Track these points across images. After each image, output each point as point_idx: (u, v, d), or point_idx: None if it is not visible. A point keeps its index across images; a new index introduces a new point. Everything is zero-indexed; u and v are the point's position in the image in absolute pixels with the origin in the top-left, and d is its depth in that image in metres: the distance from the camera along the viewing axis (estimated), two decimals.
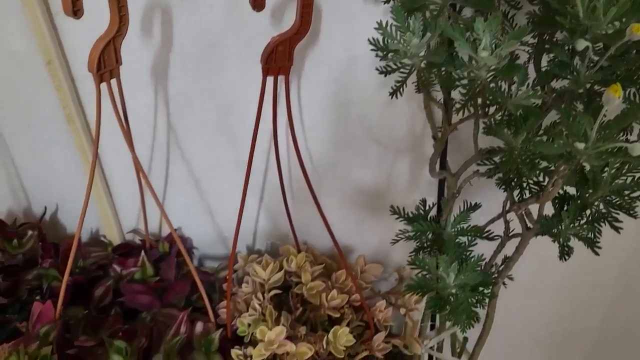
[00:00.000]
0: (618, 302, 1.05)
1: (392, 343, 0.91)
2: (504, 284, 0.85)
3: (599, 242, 0.72)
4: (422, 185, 0.96)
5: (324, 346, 0.86)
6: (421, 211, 0.87)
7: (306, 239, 1.06)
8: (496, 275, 0.85)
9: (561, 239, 0.74)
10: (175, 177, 1.02)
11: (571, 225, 0.72)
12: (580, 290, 1.06)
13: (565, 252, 0.74)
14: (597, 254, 0.71)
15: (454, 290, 0.69)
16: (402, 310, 0.95)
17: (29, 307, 0.87)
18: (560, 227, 0.73)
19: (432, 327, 1.00)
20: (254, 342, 0.87)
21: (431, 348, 0.95)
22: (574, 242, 0.75)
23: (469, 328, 0.77)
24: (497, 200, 0.82)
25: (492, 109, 0.64)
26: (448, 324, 0.93)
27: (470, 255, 0.77)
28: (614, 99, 0.47)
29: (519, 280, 0.91)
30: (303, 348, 0.83)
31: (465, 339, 0.95)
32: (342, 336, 0.84)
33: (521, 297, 1.08)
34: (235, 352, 0.86)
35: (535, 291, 1.08)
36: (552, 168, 0.68)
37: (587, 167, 0.69)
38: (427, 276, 0.71)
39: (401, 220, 0.86)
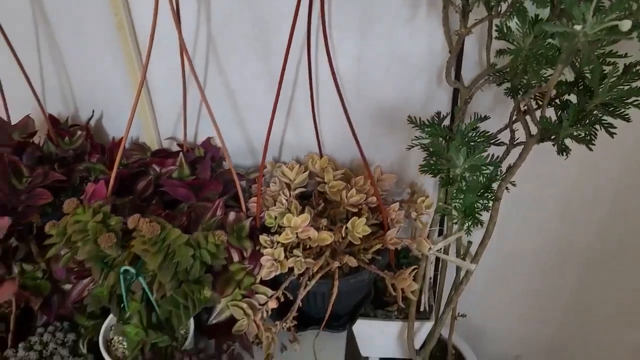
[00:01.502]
0: (611, 223, 1.14)
1: (403, 241, 1.01)
2: (506, 189, 0.95)
3: (594, 141, 0.81)
4: (438, 103, 1.04)
5: (343, 235, 0.96)
6: (436, 120, 0.96)
7: (328, 153, 1.15)
8: (500, 180, 0.94)
9: (560, 141, 0.83)
10: (213, 90, 1.10)
11: (570, 128, 0.81)
12: (576, 211, 1.15)
13: (562, 150, 0.83)
14: (590, 149, 0.80)
15: (461, 172, 0.78)
16: (414, 215, 1.05)
17: (80, 194, 0.98)
18: (560, 130, 0.82)
19: (440, 233, 1.09)
20: (279, 234, 0.97)
21: (438, 251, 1.05)
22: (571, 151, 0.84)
23: (476, 227, 0.87)
24: (504, 119, 0.92)
25: (504, 7, 0.73)
26: (455, 227, 1.03)
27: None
28: None
29: (519, 201, 1.01)
30: (324, 235, 0.94)
31: (470, 243, 1.05)
32: (359, 225, 0.94)
33: (521, 219, 1.18)
34: (263, 237, 0.96)
35: (533, 212, 1.17)
36: None
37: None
38: (439, 160, 0.81)
39: (417, 129, 0.95)
